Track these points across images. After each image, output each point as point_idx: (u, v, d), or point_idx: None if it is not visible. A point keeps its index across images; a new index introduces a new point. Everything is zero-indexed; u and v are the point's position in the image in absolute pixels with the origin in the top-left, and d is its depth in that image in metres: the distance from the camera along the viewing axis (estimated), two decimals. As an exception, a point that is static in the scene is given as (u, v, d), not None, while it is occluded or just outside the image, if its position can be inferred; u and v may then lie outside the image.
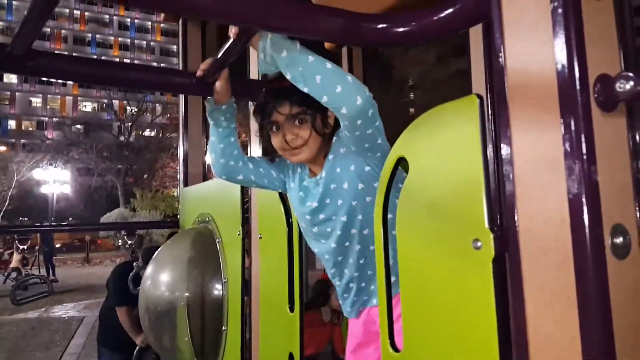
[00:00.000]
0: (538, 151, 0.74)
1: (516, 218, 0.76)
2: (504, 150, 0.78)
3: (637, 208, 0.74)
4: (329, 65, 1.08)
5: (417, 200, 0.95)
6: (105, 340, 3.44)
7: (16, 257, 11.82)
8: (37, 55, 1.15)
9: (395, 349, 0.98)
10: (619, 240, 0.68)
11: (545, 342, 0.71)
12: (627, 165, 0.74)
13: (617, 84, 0.68)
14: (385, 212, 1.04)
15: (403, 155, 0.98)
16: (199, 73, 1.29)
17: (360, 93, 1.09)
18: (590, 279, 0.65)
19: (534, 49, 0.75)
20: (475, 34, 1.66)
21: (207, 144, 2.55)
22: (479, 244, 0.79)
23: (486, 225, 0.79)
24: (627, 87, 0.67)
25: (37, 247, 12.66)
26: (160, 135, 31.81)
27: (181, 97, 2.56)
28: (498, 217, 0.91)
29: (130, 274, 3.05)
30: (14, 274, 11.59)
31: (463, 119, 0.86)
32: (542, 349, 0.71)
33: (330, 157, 1.28)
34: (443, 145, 0.91)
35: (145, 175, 29.24)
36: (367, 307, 1.36)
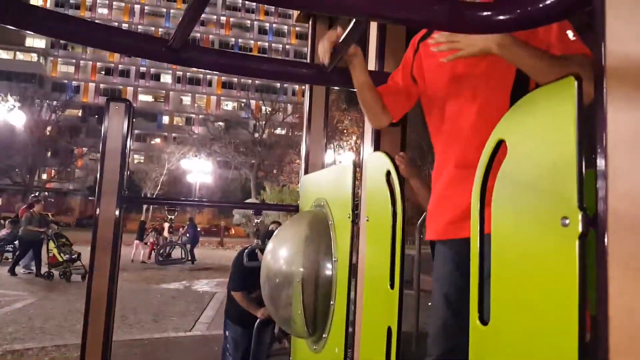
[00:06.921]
0: (632, 132, 0.74)
1: (606, 198, 0.77)
2: (598, 132, 0.79)
3: None
4: None
5: (513, 180, 0.98)
6: (231, 314, 3.83)
7: (166, 226, 13.22)
8: (191, 48, 1.40)
9: (483, 322, 1.02)
10: None
11: (627, 316, 0.72)
12: None
13: None
14: (482, 196, 1.08)
15: (503, 139, 1.02)
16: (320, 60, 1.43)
17: None
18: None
19: (634, 30, 0.75)
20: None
21: (326, 137, 2.70)
22: (567, 221, 0.81)
23: (576, 204, 0.81)
24: None
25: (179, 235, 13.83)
26: (290, 133, 33.71)
27: (306, 95, 2.76)
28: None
29: (247, 249, 3.46)
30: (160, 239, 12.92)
31: (560, 100, 0.88)
32: (624, 323, 0.72)
33: None
34: (540, 127, 0.93)
35: (275, 170, 31.08)
36: None
